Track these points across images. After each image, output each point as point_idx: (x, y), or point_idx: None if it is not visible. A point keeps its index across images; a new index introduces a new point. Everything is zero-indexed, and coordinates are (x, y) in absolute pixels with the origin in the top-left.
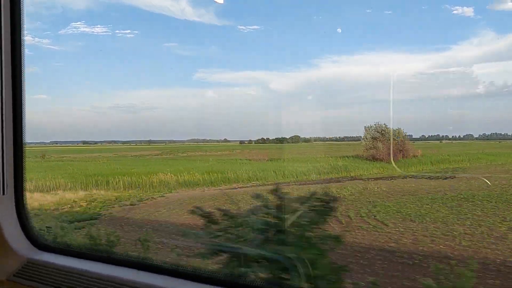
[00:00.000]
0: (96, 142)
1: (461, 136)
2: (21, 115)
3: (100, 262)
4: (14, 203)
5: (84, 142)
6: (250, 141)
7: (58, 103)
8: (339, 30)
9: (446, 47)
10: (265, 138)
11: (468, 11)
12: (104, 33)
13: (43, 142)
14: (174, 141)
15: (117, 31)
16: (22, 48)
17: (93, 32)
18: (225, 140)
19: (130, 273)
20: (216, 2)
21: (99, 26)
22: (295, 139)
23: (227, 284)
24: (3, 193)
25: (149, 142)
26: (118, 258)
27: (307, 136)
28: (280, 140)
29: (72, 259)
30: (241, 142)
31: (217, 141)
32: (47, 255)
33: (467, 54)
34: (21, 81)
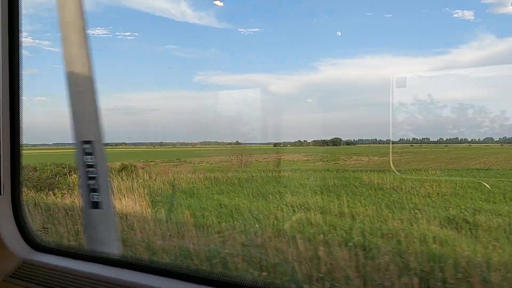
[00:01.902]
0: (117, 144)
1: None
2: (19, 116)
3: (97, 263)
4: (11, 204)
5: (107, 144)
6: (285, 144)
7: (58, 105)
8: (339, 33)
9: (446, 51)
10: (303, 140)
11: (469, 14)
12: (105, 35)
13: (45, 144)
14: (187, 144)
15: (117, 33)
16: (20, 49)
17: (93, 34)
18: (237, 143)
19: (127, 274)
20: (216, 4)
21: (99, 28)
22: (336, 141)
23: (226, 285)
24: (0, 194)
25: (161, 144)
26: (115, 259)
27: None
28: (319, 143)
29: (69, 260)
30: (276, 144)
31: (229, 143)
32: (43, 256)
33: (467, 58)
34: (19, 82)
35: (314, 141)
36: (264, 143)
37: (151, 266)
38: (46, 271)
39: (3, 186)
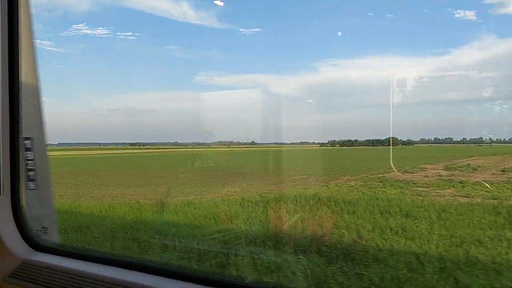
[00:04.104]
0: (125, 144)
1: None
2: (19, 116)
3: (97, 263)
4: (10, 204)
5: (124, 144)
6: (333, 143)
7: (59, 106)
8: (339, 33)
9: (446, 51)
10: (353, 140)
11: (470, 14)
12: (106, 35)
13: (50, 144)
14: (205, 144)
15: (118, 33)
16: (19, 50)
17: (94, 34)
18: (253, 143)
19: (126, 274)
20: (217, 4)
21: (100, 28)
22: (393, 141)
23: (224, 285)
24: (0, 194)
25: (175, 144)
26: (115, 259)
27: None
28: (373, 143)
29: (69, 260)
30: (322, 144)
31: (244, 143)
32: (43, 255)
33: (468, 58)
34: (18, 82)
35: (367, 140)
36: (290, 144)
37: (151, 266)
38: (46, 271)
39: (3, 186)
